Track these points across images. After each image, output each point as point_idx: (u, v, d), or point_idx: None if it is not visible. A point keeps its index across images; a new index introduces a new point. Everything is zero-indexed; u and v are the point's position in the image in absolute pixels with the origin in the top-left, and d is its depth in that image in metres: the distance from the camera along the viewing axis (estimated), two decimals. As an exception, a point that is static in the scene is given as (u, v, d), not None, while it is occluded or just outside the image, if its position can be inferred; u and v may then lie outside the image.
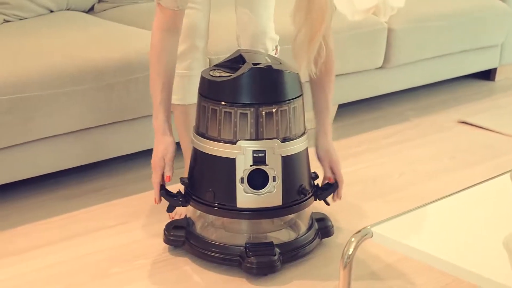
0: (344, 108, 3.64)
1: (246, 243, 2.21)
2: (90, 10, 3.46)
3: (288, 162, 2.18)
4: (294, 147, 2.20)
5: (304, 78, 2.26)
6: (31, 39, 2.84)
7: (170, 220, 2.45)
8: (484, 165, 3.05)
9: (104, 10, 3.45)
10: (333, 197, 2.38)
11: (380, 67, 3.61)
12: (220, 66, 2.27)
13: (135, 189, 2.77)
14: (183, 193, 2.30)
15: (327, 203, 2.40)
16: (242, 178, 2.15)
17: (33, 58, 2.62)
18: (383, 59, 3.58)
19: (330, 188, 2.38)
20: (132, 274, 2.23)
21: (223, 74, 2.20)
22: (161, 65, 2.26)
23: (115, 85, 2.70)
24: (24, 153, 2.59)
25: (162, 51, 2.26)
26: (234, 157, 2.15)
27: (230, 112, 2.13)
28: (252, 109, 2.13)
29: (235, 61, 2.24)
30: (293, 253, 2.27)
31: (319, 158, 2.39)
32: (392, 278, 2.23)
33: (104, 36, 2.91)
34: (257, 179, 2.16)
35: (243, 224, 2.28)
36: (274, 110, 2.14)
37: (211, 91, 2.18)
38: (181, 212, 2.47)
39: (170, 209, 2.33)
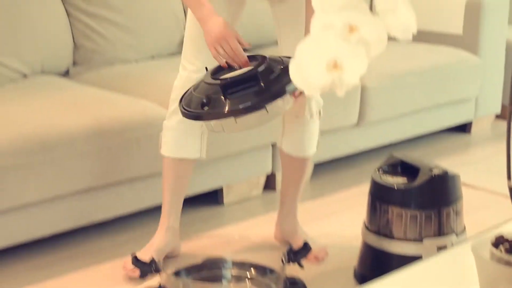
0: (321, 167, 3.64)
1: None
2: (66, 73, 3.45)
3: None
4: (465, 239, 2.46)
5: None
6: (3, 107, 2.83)
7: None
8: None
9: (80, 73, 3.45)
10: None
11: (355, 125, 3.62)
12: (385, 171, 2.52)
13: (110, 255, 2.75)
14: (156, 261, 2.30)
15: (301, 266, 2.39)
16: None
17: (3, 127, 2.61)
18: (357, 116, 3.59)
19: (303, 250, 2.39)
20: None
21: (397, 179, 2.45)
22: None
23: (86, 153, 2.69)
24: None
25: None
26: (420, 254, 2.35)
27: (416, 216, 2.37)
28: (435, 211, 2.38)
29: (394, 165, 2.53)
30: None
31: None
32: None
33: (77, 102, 2.90)
34: None
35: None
36: (452, 210, 2.42)
37: (394, 198, 2.41)
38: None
39: (142, 275, 2.32)
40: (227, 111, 2.15)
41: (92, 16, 3.48)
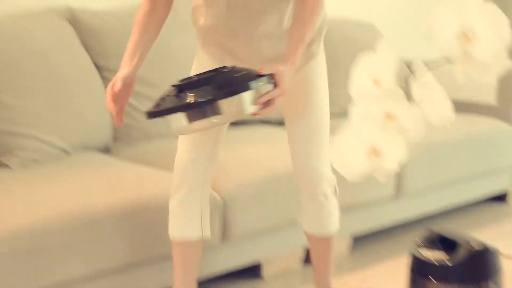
0: (359, 240, 3.64)
1: None
2: (106, 148, 3.51)
3: None
4: None
5: None
6: (45, 185, 2.88)
7: None
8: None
9: (119, 148, 3.50)
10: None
11: (393, 197, 3.63)
12: (424, 245, 2.43)
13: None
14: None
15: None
16: None
17: (45, 206, 2.66)
18: (394, 188, 3.61)
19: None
20: None
21: (436, 254, 2.39)
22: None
23: (128, 229, 2.74)
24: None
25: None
26: None
27: None
28: (476, 285, 2.32)
29: (432, 239, 2.46)
30: None
31: None
32: None
33: (117, 179, 2.96)
34: None
35: None
36: (492, 283, 2.35)
37: (435, 273, 2.37)
38: None
39: None
40: (172, 107, 2.13)
41: (130, 92, 3.56)
